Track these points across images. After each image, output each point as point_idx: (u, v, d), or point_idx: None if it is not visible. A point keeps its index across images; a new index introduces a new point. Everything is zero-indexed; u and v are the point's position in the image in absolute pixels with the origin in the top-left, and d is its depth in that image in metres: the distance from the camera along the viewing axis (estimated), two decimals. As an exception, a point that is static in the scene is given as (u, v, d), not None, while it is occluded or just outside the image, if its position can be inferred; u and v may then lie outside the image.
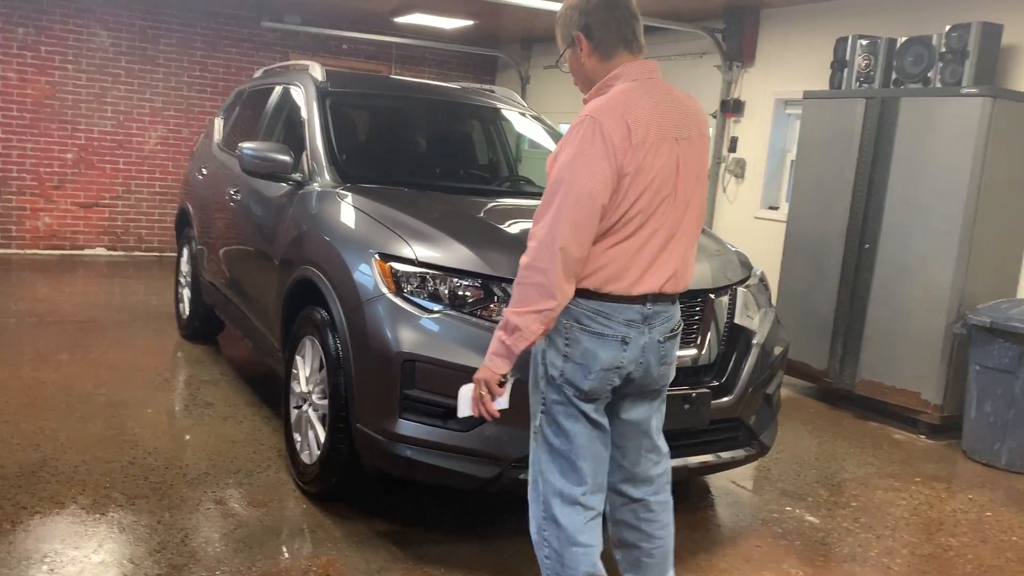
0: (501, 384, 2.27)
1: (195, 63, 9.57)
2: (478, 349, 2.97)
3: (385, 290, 3.13)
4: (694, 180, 2.40)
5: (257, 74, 6.06)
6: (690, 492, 4.00)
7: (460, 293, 3.10)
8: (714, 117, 7.64)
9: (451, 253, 3.17)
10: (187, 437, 4.16)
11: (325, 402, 3.42)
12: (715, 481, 4.15)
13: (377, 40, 10.13)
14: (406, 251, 3.18)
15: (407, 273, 3.14)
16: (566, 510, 2.38)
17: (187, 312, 6.02)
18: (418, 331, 3.03)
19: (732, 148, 7.48)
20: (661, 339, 2.42)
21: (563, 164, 2.19)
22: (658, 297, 2.35)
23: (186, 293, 6.03)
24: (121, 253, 9.54)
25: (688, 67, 7.99)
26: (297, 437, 3.70)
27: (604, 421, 2.42)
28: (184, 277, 6.07)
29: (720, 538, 3.61)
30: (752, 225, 7.21)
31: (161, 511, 3.33)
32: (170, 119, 9.55)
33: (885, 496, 4.20)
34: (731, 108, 7.45)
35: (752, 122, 7.35)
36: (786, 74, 7.01)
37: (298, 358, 3.71)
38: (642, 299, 2.32)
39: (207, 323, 5.91)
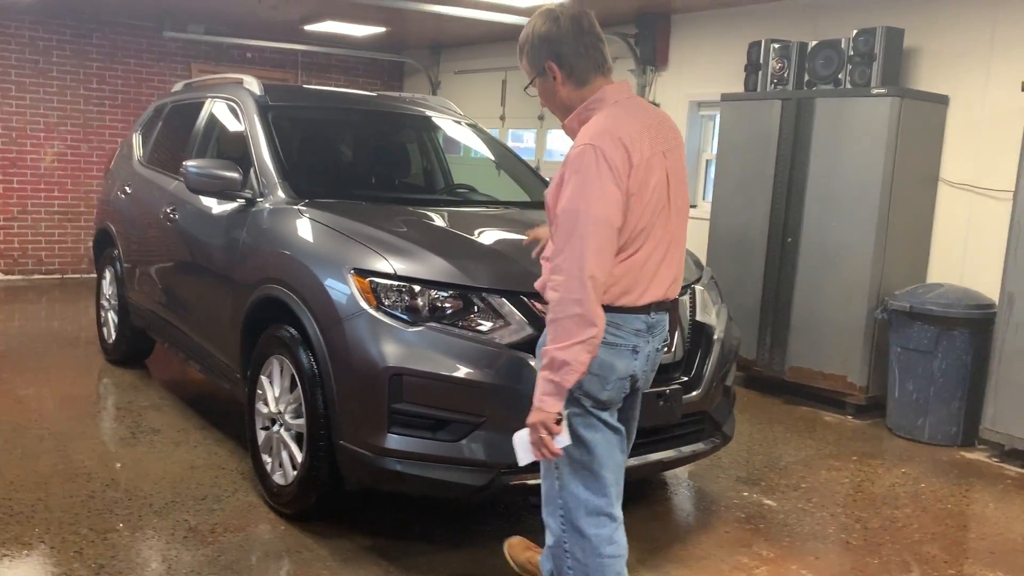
0: (557, 422, 2.25)
1: (91, 75, 9.16)
2: (463, 359, 3.04)
3: (365, 305, 3.13)
4: (681, 188, 2.51)
5: (177, 87, 5.89)
6: (651, 485, 4.14)
7: (440, 305, 3.13)
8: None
9: (428, 265, 3.20)
10: (143, 466, 4.02)
11: (299, 421, 3.39)
12: (672, 474, 4.30)
13: (282, 48, 9.95)
14: (383, 265, 3.19)
15: (386, 287, 3.15)
16: (591, 521, 2.43)
17: (113, 336, 5.79)
18: (403, 345, 3.05)
19: (649, 149, 7.71)
20: (659, 346, 2.53)
21: (574, 194, 2.21)
22: (660, 305, 2.46)
23: (111, 316, 5.79)
24: (19, 277, 9.05)
25: (602, 71, 8.18)
26: (267, 459, 3.64)
27: (620, 425, 2.51)
28: (108, 300, 5.84)
29: (689, 527, 3.77)
30: (672, 223, 7.44)
31: (137, 544, 3.23)
32: (67, 134, 9.12)
33: (829, 475, 4.46)
34: (646, 110, 7.67)
35: (667, 124, 7.59)
36: (699, 77, 7.29)
37: (263, 378, 3.65)
38: (647, 308, 2.41)
39: (135, 347, 5.71)
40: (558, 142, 9.29)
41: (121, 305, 5.55)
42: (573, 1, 2.50)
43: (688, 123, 7.45)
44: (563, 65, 2.37)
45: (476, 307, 3.13)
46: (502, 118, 9.45)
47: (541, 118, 9.05)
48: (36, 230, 9.10)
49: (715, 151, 7.43)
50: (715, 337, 3.62)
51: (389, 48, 10.45)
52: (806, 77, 5.84)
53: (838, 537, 3.70)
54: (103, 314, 5.97)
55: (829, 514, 3.95)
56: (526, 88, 2.54)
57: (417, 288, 3.15)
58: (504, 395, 3.02)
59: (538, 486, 2.79)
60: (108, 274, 5.81)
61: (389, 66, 11.00)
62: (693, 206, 7.49)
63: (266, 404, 3.63)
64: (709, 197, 7.46)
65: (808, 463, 4.63)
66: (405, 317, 3.10)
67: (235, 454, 4.20)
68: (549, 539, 2.53)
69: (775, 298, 5.87)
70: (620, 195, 2.24)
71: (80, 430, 4.51)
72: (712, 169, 7.52)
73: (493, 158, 5.08)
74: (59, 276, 9.26)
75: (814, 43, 5.79)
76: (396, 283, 3.16)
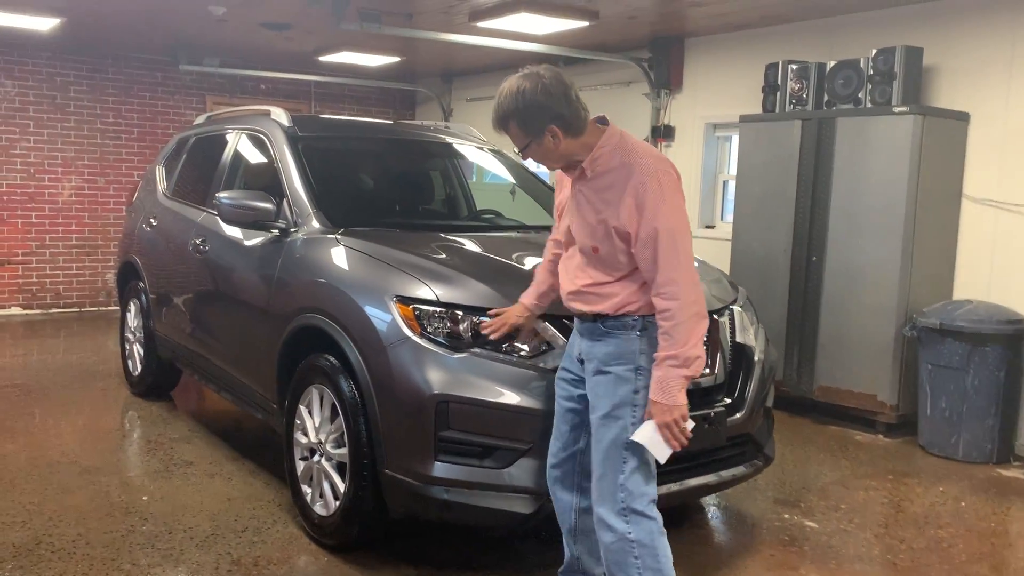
0: None
1: (108, 109, 9.23)
2: (509, 385, 3.03)
3: (409, 333, 3.12)
4: None
5: (199, 120, 5.92)
6: (690, 509, 4.11)
7: (484, 331, 3.12)
8: (646, 142, 7.90)
9: (471, 291, 3.20)
10: (179, 499, 4.00)
11: (341, 451, 3.37)
12: (710, 497, 4.27)
13: (296, 79, 10.03)
14: (426, 292, 3.19)
15: (429, 314, 3.15)
16: (652, 508, 2.64)
17: (139, 368, 5.79)
18: (449, 371, 3.04)
19: (666, 172, 7.73)
20: None
21: (664, 214, 2.49)
22: None
23: (136, 349, 5.79)
24: (38, 311, 9.06)
25: (617, 96, 8.24)
26: (306, 489, 3.62)
27: None
28: (133, 332, 5.84)
29: (734, 551, 3.73)
30: (691, 245, 7.45)
31: (182, 578, 3.21)
32: (84, 169, 9.17)
33: (867, 496, 4.42)
34: (662, 133, 7.72)
35: (683, 146, 7.63)
36: (714, 99, 7.33)
37: (302, 408, 3.64)
38: None
39: (161, 379, 5.71)
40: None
41: (147, 337, 5.54)
42: (544, 66, 2.62)
43: (704, 145, 7.48)
44: (563, 125, 2.55)
45: (519, 332, 3.13)
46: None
47: (555, 143, 9.08)
48: (54, 264, 9.13)
49: (732, 172, 7.45)
50: (756, 358, 3.60)
51: (401, 77, 10.53)
52: (825, 97, 5.87)
53: (884, 559, 3.66)
54: (128, 347, 5.97)
55: (872, 535, 3.91)
56: (517, 152, 2.69)
57: (460, 314, 3.14)
58: (550, 420, 3.01)
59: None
60: (133, 306, 5.81)
61: (401, 95, 11.07)
62: (710, 227, 7.51)
63: (305, 434, 3.61)
64: (727, 218, 7.50)
65: (844, 483, 4.59)
66: (449, 343, 3.10)
67: (270, 485, 4.18)
68: (607, 537, 2.64)
69: (801, 318, 5.85)
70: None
71: (113, 464, 4.50)
72: (729, 190, 7.55)
73: (516, 182, 5.10)
74: (77, 310, 9.27)
75: (832, 63, 5.82)
76: (439, 309, 3.15)
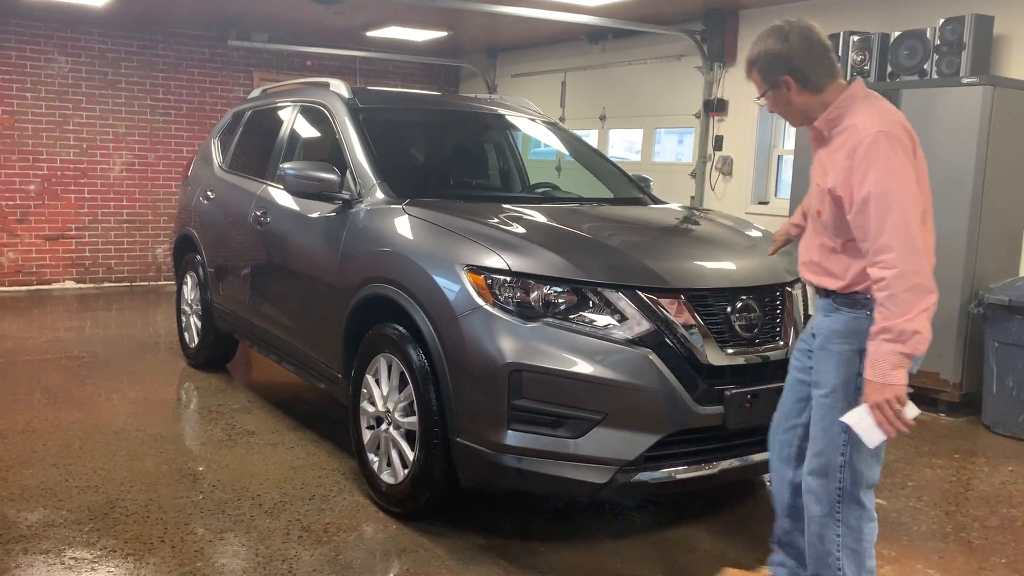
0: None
1: (157, 85, 9.31)
2: (582, 355, 3.01)
3: (482, 302, 3.11)
4: (927, 186, 2.51)
5: (255, 94, 5.93)
6: (752, 485, 4.06)
7: (554, 300, 3.10)
8: (697, 117, 7.80)
9: (542, 261, 3.17)
10: (245, 467, 4.04)
11: (411, 419, 3.37)
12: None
13: (342, 55, 10.03)
14: (497, 262, 3.16)
15: (501, 283, 3.13)
16: (868, 493, 2.57)
17: (196, 340, 5.85)
18: (522, 340, 3.02)
19: (718, 146, 7.64)
20: None
21: (880, 179, 2.33)
22: None
23: (194, 321, 5.85)
24: (91, 285, 9.20)
25: (668, 69, 8.13)
26: (373, 458, 3.64)
27: None
28: (190, 305, 5.89)
29: (801, 526, 3.68)
30: (743, 221, 7.36)
31: (254, 543, 3.24)
32: (134, 144, 9.27)
33: (933, 474, 4.34)
34: (715, 107, 7.61)
35: (737, 120, 7.52)
36: (769, 72, 7.18)
37: (369, 377, 3.65)
38: None
39: (218, 351, 5.77)
40: (619, 142, 9.24)
41: (204, 309, 5.60)
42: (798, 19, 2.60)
43: (759, 119, 7.35)
44: (799, 78, 2.52)
45: (591, 302, 3.10)
46: (562, 119, 9.42)
47: (602, 118, 9.01)
48: (106, 239, 9.26)
49: (787, 147, 7.33)
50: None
51: (446, 53, 10.49)
52: (888, 69, 5.73)
53: (958, 536, 3.59)
54: (184, 319, 6.03)
55: (943, 512, 3.84)
56: (758, 99, 2.68)
57: (531, 283, 3.12)
58: (624, 391, 2.99)
59: (658, 483, 3.09)
60: (190, 279, 5.86)
61: (445, 71, 11.04)
62: (763, 203, 7.40)
63: (372, 403, 3.62)
64: (782, 193, 7.38)
65: (909, 461, 4.51)
66: (520, 312, 3.08)
67: (334, 454, 4.20)
68: (815, 509, 2.59)
69: (860, 294, 5.74)
70: (913, 173, 2.38)
71: (176, 432, 4.56)
72: (783, 165, 7.42)
73: (570, 154, 5.05)
74: (128, 284, 9.40)
75: (896, 34, 5.68)
76: (510, 279, 3.13)
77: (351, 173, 4.06)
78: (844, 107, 2.50)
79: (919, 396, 5.43)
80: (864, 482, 2.55)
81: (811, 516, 2.61)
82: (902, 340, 2.28)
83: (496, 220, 3.55)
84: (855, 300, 2.50)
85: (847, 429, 2.45)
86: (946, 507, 3.91)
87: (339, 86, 4.62)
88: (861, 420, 2.34)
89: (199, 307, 5.70)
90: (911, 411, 2.32)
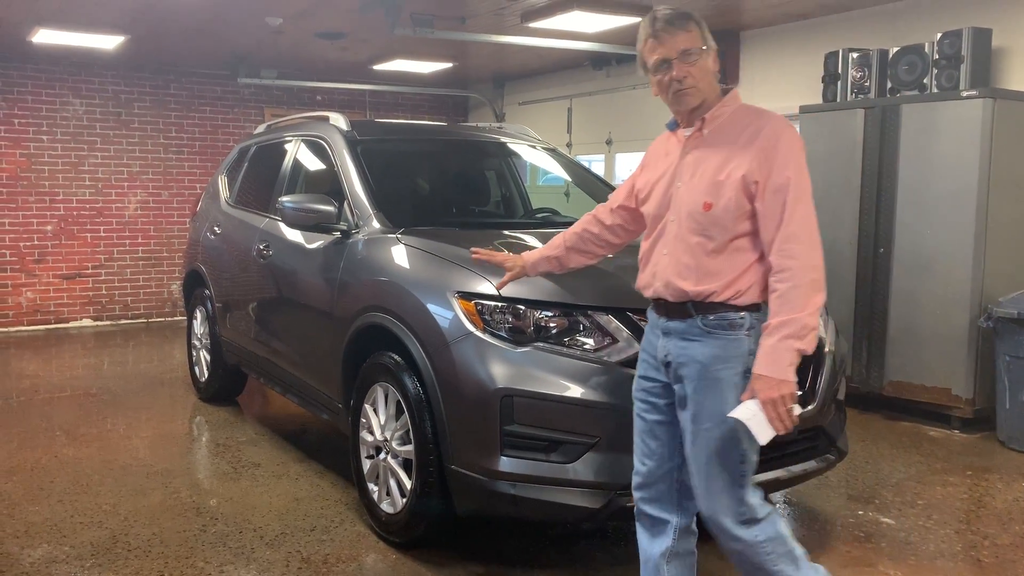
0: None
1: (170, 124, 9.48)
2: (573, 379, 3.00)
3: (472, 328, 3.12)
4: None
5: (259, 130, 6.02)
6: (760, 506, 4.01)
7: (545, 324, 3.11)
8: (702, 139, 7.80)
9: (532, 285, 3.17)
10: (248, 499, 4.05)
11: (407, 448, 3.38)
12: (781, 493, 4.17)
13: (350, 89, 10.17)
14: (487, 287, 3.18)
15: (491, 308, 3.14)
16: (765, 506, 2.43)
17: (206, 374, 5.90)
18: (513, 366, 3.02)
19: (723, 167, 7.62)
20: None
21: (796, 166, 2.30)
22: None
23: (203, 355, 5.91)
24: (108, 323, 9.32)
25: (670, 92, 8.14)
26: (373, 488, 3.64)
27: None
28: (199, 339, 5.95)
29: (809, 547, 3.57)
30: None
31: (254, 576, 3.25)
32: (148, 183, 9.42)
33: (945, 492, 4.27)
34: (719, 129, 7.60)
35: (741, 141, 7.50)
36: (772, 91, 7.20)
37: (367, 407, 3.66)
38: None
39: (227, 384, 5.81)
40: (626, 165, 9.26)
41: (213, 343, 5.65)
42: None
43: (763, 139, 7.33)
44: (718, 62, 2.49)
45: (582, 325, 3.10)
46: (568, 145, 9.47)
47: (609, 142, 9.05)
48: (122, 276, 9.38)
49: (792, 166, 7.30)
50: (826, 349, 3.51)
51: (453, 84, 10.60)
52: (888, 84, 5.73)
53: (967, 555, 3.53)
54: (195, 353, 6.09)
55: (953, 531, 3.77)
56: (688, 53, 2.39)
57: (522, 308, 3.12)
58: (617, 414, 2.97)
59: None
60: (199, 314, 5.93)
61: (454, 101, 11.14)
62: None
63: (371, 432, 3.63)
64: (789, 212, 7.34)
65: (920, 479, 4.44)
66: (511, 338, 3.08)
67: (337, 485, 4.21)
68: (735, 546, 2.43)
69: (869, 311, 5.70)
70: None
71: (183, 466, 4.58)
72: (790, 184, 7.39)
73: (572, 180, 5.07)
74: (144, 320, 9.51)
75: (895, 49, 5.68)
76: (501, 304, 3.14)
77: (349, 204, 4.11)
78: (738, 104, 2.46)
79: (933, 414, 5.38)
80: (761, 500, 2.44)
81: (737, 553, 2.44)
82: (801, 335, 2.22)
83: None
84: (731, 321, 2.36)
85: (743, 460, 2.37)
86: (956, 525, 3.84)
87: (338, 119, 4.68)
88: (753, 416, 2.25)
89: (208, 341, 5.76)
90: (796, 409, 2.27)
